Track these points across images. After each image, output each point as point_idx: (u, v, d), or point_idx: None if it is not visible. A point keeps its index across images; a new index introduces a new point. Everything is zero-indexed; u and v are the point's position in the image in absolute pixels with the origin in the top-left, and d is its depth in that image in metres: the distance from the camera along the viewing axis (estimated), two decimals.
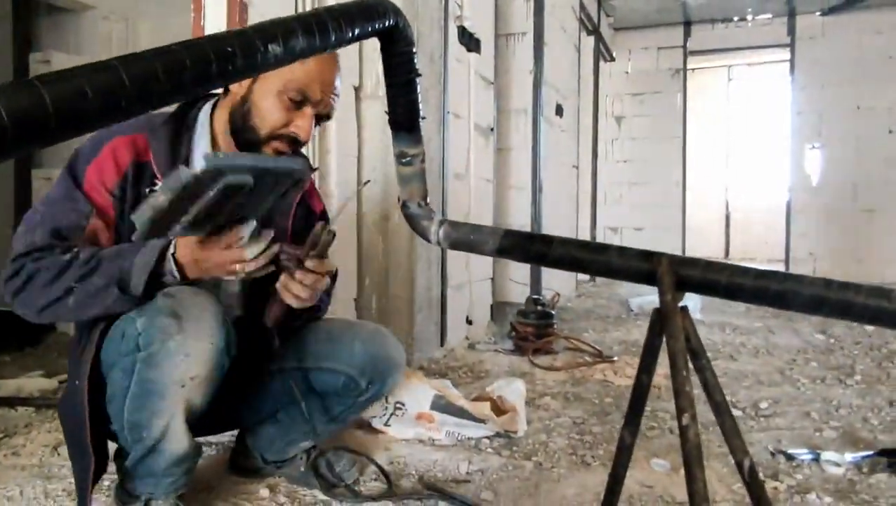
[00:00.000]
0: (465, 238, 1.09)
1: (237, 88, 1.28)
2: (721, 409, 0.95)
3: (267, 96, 1.24)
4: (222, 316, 1.21)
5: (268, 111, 1.23)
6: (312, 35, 0.79)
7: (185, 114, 1.33)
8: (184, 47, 0.66)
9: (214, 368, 1.21)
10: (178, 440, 1.26)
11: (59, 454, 1.74)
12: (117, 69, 0.59)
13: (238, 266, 1.11)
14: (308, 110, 1.25)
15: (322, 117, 1.30)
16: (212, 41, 0.69)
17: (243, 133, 1.27)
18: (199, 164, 0.86)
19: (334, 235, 1.16)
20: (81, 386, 1.22)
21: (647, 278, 0.94)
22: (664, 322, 0.91)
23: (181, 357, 1.14)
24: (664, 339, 0.93)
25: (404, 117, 1.12)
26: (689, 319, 0.93)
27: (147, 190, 1.19)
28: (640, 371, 0.99)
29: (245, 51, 0.71)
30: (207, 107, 1.34)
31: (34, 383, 2.36)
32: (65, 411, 1.32)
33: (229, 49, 0.70)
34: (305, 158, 1.49)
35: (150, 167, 1.22)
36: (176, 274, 1.13)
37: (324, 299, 1.49)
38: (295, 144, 1.28)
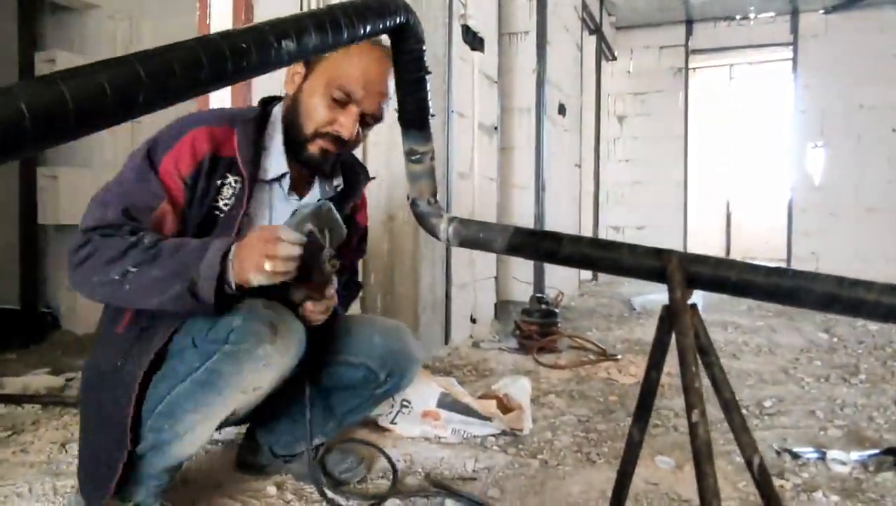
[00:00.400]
0: (475, 236, 1.09)
1: (291, 87, 1.30)
2: (730, 406, 0.95)
3: (313, 94, 1.25)
4: (304, 335, 1.25)
5: (313, 109, 1.25)
6: (325, 32, 0.80)
7: (267, 112, 1.34)
8: (199, 43, 0.67)
9: (277, 385, 1.26)
10: (191, 444, 1.25)
11: (66, 451, 1.75)
12: (135, 65, 0.60)
13: (268, 264, 1.07)
14: (353, 109, 1.25)
15: (370, 118, 1.29)
16: (226, 37, 0.69)
17: (292, 130, 1.29)
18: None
19: (337, 267, 1.19)
20: (134, 371, 1.18)
21: (657, 276, 0.94)
22: (674, 319, 0.91)
23: (262, 364, 1.17)
24: (672, 336, 0.93)
25: (414, 115, 1.12)
26: (699, 316, 0.93)
27: (219, 182, 1.22)
28: (649, 368, 0.99)
29: (259, 47, 0.71)
30: (280, 105, 1.36)
31: (40, 381, 2.37)
32: (97, 395, 1.24)
33: (244, 45, 0.70)
34: (363, 167, 1.50)
35: (226, 160, 1.23)
36: (230, 276, 1.11)
37: (338, 309, 1.48)
38: (339, 143, 1.28)
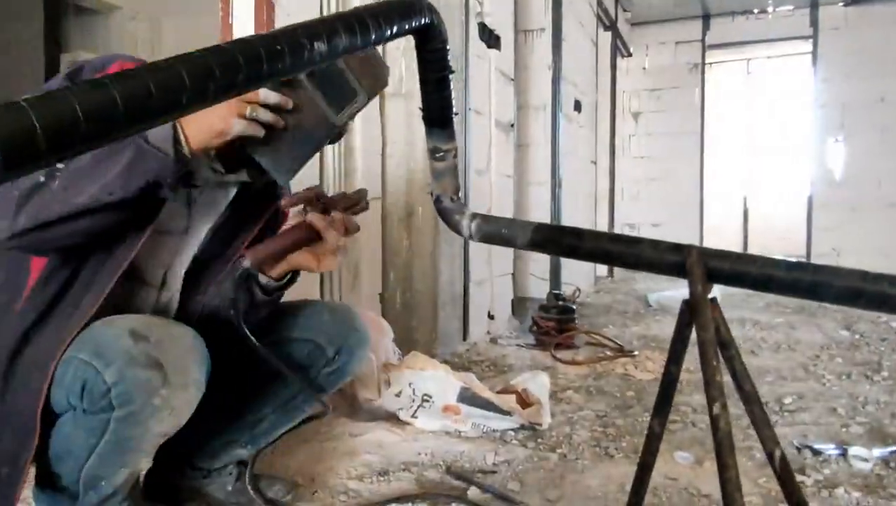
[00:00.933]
0: (498, 232, 1.10)
1: None
2: (751, 399, 0.96)
3: None
4: (203, 350, 1.09)
5: None
6: (354, 33, 0.82)
7: None
8: (237, 45, 0.69)
9: (196, 405, 1.10)
10: (136, 472, 1.14)
11: None
12: (177, 68, 0.62)
13: (248, 108, 0.95)
14: None
15: None
16: (263, 39, 0.71)
17: None
18: None
19: (366, 208, 1.15)
20: (43, 359, 1.01)
21: (678, 270, 0.95)
22: (694, 313, 0.92)
23: (167, 412, 1.02)
24: (692, 329, 0.94)
25: (438, 114, 1.13)
26: (719, 310, 0.94)
27: None
28: (668, 361, 1.00)
29: (293, 49, 0.73)
30: None
31: None
32: None
33: (278, 47, 0.72)
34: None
35: None
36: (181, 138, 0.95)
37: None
38: None
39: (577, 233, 1.04)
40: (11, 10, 3.64)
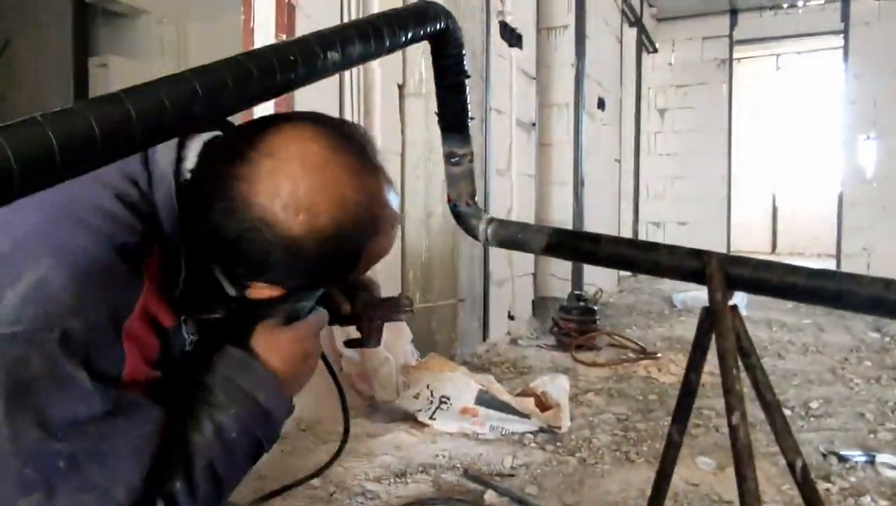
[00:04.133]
0: (514, 237, 1.10)
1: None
2: (772, 407, 0.95)
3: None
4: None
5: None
6: (368, 41, 0.82)
7: None
8: (249, 57, 0.70)
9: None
10: None
11: None
12: (191, 81, 0.63)
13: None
14: None
15: None
16: (276, 50, 0.72)
17: None
18: None
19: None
20: None
21: (697, 277, 0.93)
22: (714, 321, 0.90)
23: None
24: (713, 337, 0.93)
25: (454, 118, 1.13)
26: (740, 317, 0.92)
27: None
28: (688, 370, 0.98)
29: (306, 59, 0.74)
30: None
31: None
32: None
33: (291, 57, 0.73)
34: None
35: None
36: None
37: None
38: None
39: (593, 238, 1.03)
40: (41, 15, 3.73)
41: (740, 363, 0.92)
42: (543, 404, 1.97)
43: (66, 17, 3.37)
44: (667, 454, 1.01)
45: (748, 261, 0.92)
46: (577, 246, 1.04)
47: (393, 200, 0.79)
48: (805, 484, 0.94)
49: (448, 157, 1.16)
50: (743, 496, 0.84)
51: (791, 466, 0.95)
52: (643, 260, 0.98)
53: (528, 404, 1.92)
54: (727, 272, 0.90)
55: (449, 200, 1.21)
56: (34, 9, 3.78)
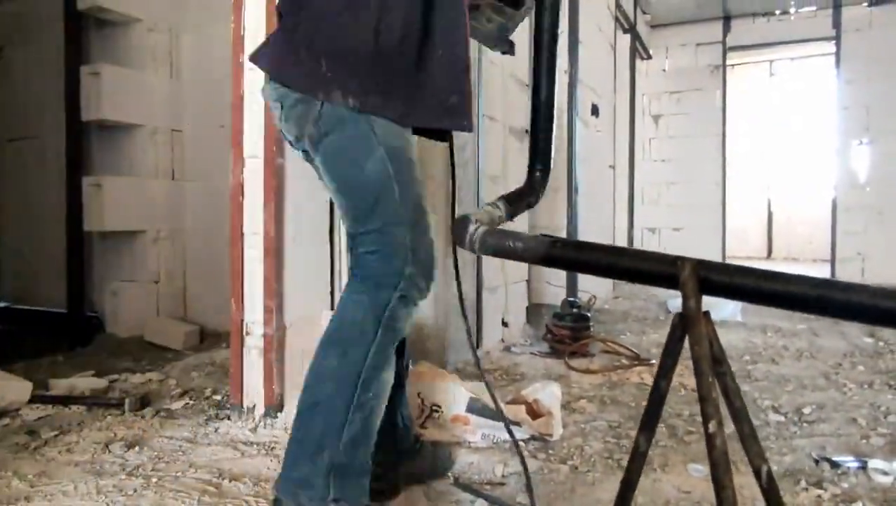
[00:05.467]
0: (501, 244, 1.10)
1: None
2: (740, 415, 0.94)
3: None
4: None
5: None
6: None
7: None
8: None
9: None
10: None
11: (109, 451, 1.82)
12: None
13: None
14: None
15: None
16: None
17: None
18: None
19: None
20: None
21: (671, 282, 0.93)
22: (687, 328, 0.89)
23: None
24: (684, 343, 0.92)
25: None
26: (712, 324, 0.91)
27: None
28: (657, 377, 0.97)
29: None
30: None
31: (86, 383, 2.46)
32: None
33: None
34: None
35: None
36: None
37: None
38: None
39: (577, 245, 1.03)
40: (33, 23, 3.73)
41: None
42: (535, 412, 1.96)
43: (58, 25, 3.37)
44: (632, 463, 0.99)
45: (725, 266, 0.91)
46: (561, 254, 1.04)
47: None
48: (770, 490, 0.94)
49: None
50: (721, 504, 0.84)
51: (757, 472, 0.94)
52: (617, 266, 0.98)
53: (520, 412, 1.91)
54: (703, 277, 0.89)
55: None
56: (26, 17, 3.79)
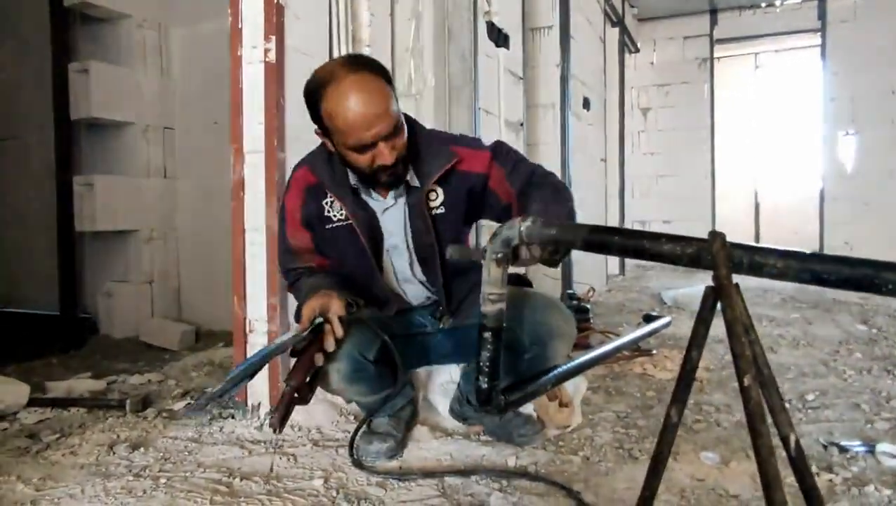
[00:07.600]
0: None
1: (328, 145, 1.56)
2: (767, 382, 0.95)
3: (346, 153, 1.50)
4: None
5: (354, 162, 1.51)
6: None
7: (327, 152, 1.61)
8: None
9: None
10: None
11: (114, 453, 1.79)
12: None
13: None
14: (378, 145, 1.45)
15: (392, 132, 1.46)
16: None
17: (355, 173, 1.57)
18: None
19: None
20: None
21: (700, 260, 0.94)
22: (720, 294, 0.91)
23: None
24: (714, 314, 0.93)
25: None
26: (741, 294, 0.92)
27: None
28: (689, 347, 0.97)
29: None
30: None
31: (83, 385, 2.42)
32: None
33: None
34: (438, 137, 1.70)
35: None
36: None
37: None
38: (391, 165, 1.49)
39: (610, 230, 1.03)
40: (19, 20, 3.65)
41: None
42: (559, 399, 1.95)
43: (44, 20, 3.30)
44: (664, 435, 1.00)
45: (748, 246, 0.93)
46: (589, 238, 1.04)
47: (352, 67, 1.44)
48: (798, 459, 0.95)
49: None
50: (759, 451, 0.84)
51: (784, 440, 0.95)
52: (648, 249, 0.98)
53: (541, 401, 1.89)
54: (729, 250, 0.91)
55: None
56: (11, 14, 3.70)
